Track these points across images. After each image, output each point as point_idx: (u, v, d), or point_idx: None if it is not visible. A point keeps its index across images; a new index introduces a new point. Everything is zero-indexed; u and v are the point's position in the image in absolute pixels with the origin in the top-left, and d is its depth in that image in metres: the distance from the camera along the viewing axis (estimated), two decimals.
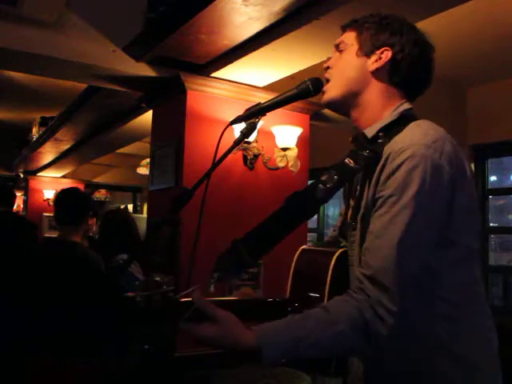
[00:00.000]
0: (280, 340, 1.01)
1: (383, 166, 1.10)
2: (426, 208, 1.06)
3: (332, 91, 1.25)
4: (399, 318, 1.03)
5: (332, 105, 1.27)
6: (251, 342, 1.01)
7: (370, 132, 1.20)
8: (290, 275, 1.34)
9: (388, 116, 1.20)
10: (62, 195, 2.95)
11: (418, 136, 1.09)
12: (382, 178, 1.10)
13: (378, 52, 1.21)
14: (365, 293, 1.06)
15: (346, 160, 1.17)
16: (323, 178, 1.15)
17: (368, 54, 1.22)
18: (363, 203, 1.17)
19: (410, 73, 1.22)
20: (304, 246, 1.29)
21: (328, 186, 1.14)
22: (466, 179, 1.13)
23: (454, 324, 1.13)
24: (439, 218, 1.09)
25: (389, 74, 1.22)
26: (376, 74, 1.22)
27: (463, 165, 1.13)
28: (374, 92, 1.22)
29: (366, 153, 1.16)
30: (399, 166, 1.06)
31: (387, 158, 1.10)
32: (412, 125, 1.14)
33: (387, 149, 1.12)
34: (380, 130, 1.18)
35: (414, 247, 1.06)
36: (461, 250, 1.14)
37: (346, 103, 1.25)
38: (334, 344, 1.04)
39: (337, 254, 1.18)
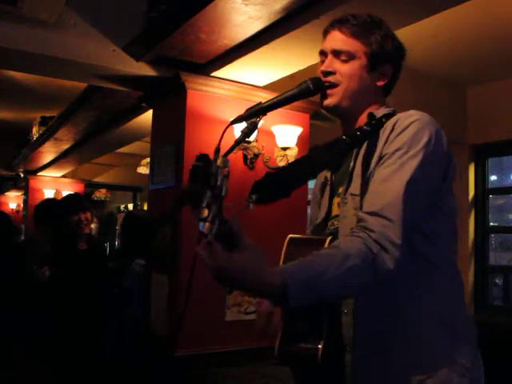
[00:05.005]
0: (302, 277, 1.00)
1: (392, 131, 1.19)
2: (430, 162, 1.15)
3: (339, 98, 1.29)
4: (402, 252, 1.06)
5: (335, 110, 1.32)
6: (277, 279, 0.97)
7: (376, 114, 1.28)
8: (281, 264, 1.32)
9: (387, 110, 1.30)
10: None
11: (420, 112, 1.21)
12: (390, 138, 1.18)
13: (382, 68, 1.30)
14: (368, 229, 1.08)
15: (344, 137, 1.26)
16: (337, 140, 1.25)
17: (375, 71, 1.30)
18: (372, 164, 1.20)
19: (395, 82, 1.36)
20: (291, 235, 1.28)
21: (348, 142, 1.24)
22: (453, 163, 1.22)
23: (438, 291, 1.19)
24: (438, 176, 1.18)
25: (383, 86, 1.33)
26: (378, 87, 1.32)
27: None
28: (373, 102, 1.32)
29: (369, 127, 1.25)
30: (408, 125, 1.17)
31: (395, 123, 1.19)
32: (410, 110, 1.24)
33: (393, 119, 1.21)
34: (384, 116, 1.27)
35: (420, 191, 1.14)
36: (447, 223, 1.22)
37: (349, 111, 1.32)
38: (349, 278, 1.04)
39: (328, 241, 1.18)
